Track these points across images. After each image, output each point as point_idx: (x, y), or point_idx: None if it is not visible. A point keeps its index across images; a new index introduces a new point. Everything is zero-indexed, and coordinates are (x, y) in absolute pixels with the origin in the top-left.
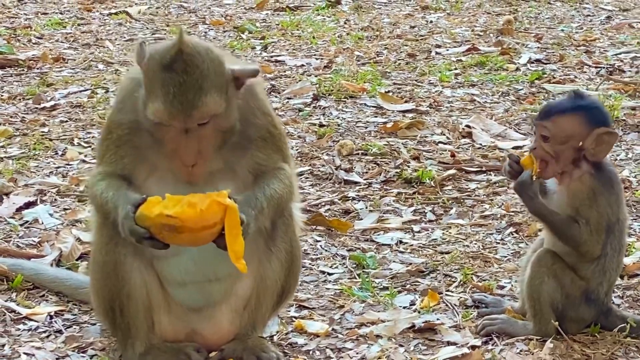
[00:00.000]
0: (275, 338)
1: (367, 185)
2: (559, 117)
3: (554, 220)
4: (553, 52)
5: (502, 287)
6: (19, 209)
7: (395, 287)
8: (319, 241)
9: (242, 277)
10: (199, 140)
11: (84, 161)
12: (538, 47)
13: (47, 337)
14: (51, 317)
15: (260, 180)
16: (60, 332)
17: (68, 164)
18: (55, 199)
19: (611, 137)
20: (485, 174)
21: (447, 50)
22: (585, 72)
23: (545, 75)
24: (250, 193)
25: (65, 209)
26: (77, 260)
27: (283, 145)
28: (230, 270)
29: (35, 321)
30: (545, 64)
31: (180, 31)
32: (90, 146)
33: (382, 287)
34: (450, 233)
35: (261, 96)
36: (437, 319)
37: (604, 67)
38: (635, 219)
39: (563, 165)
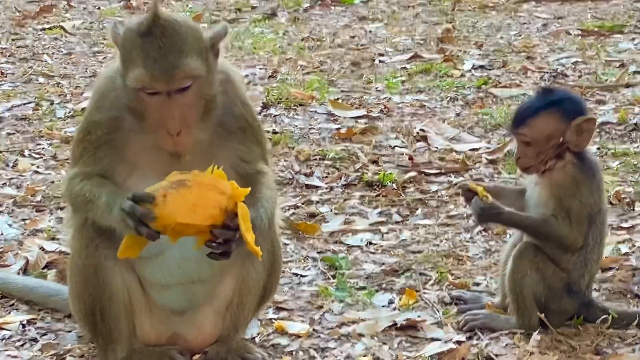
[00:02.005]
0: (257, 340)
1: (329, 189)
2: (534, 120)
3: (530, 225)
4: (495, 59)
5: (477, 284)
6: None
7: (372, 287)
8: (288, 244)
9: (225, 279)
10: (182, 106)
11: (37, 172)
12: (480, 54)
13: (22, 345)
14: (24, 326)
15: (255, 192)
16: (35, 340)
17: (21, 175)
18: (13, 210)
19: (590, 124)
20: (445, 176)
21: (391, 58)
22: (530, 77)
23: (491, 81)
24: (253, 211)
25: (23, 219)
26: (43, 268)
27: (262, 138)
28: (213, 272)
29: (8, 330)
30: (489, 69)
31: (155, 1)
32: (41, 157)
33: (358, 287)
34: (418, 233)
35: (239, 85)
36: (419, 316)
37: (547, 72)
38: None
39: (545, 164)
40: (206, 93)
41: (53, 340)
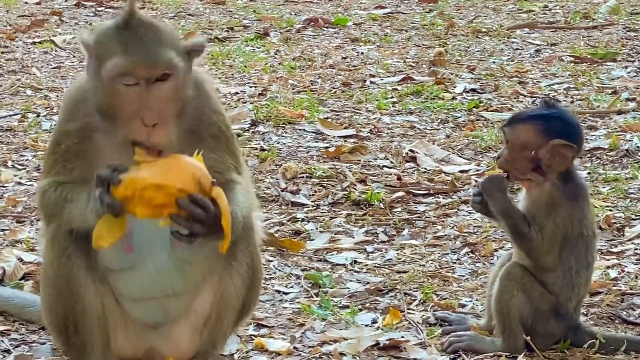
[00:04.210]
0: (236, 356)
1: (315, 207)
2: (518, 125)
3: (515, 217)
4: (487, 82)
5: (463, 306)
6: None
7: (355, 306)
8: (272, 261)
9: (202, 293)
10: (159, 98)
11: (19, 183)
12: (472, 78)
13: None
14: None
15: (230, 196)
16: (8, 351)
17: (3, 186)
18: None
19: (567, 150)
20: (433, 197)
21: (382, 79)
22: (522, 101)
23: (482, 104)
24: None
25: (3, 230)
26: (20, 279)
27: (235, 149)
28: (188, 285)
29: None
30: (481, 93)
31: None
32: (24, 168)
33: (341, 305)
34: (404, 253)
35: (212, 94)
36: (402, 337)
37: (539, 97)
38: None
39: (523, 173)
40: (181, 92)
41: (27, 352)
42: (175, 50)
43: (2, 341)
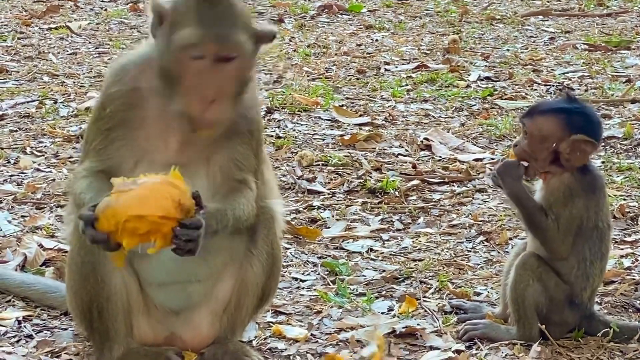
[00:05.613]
0: (254, 343)
1: (331, 195)
2: (539, 117)
3: (529, 206)
4: (501, 70)
5: (478, 294)
6: None
7: (371, 293)
8: (288, 249)
9: (223, 279)
10: (221, 77)
11: (38, 169)
12: (486, 66)
13: (17, 342)
14: (19, 322)
15: (230, 197)
16: (30, 336)
17: (22, 172)
18: (12, 206)
19: (588, 146)
20: (448, 185)
21: (396, 67)
22: (536, 89)
23: (497, 92)
24: (221, 207)
25: (23, 216)
26: (41, 265)
27: (260, 153)
28: (210, 271)
29: (4, 326)
30: (495, 81)
31: None
32: (43, 155)
33: (357, 293)
34: (420, 241)
35: (256, 100)
36: (418, 324)
37: (553, 85)
38: None
39: (541, 166)
40: (243, 73)
41: (49, 337)
42: (247, 33)
43: (25, 327)
